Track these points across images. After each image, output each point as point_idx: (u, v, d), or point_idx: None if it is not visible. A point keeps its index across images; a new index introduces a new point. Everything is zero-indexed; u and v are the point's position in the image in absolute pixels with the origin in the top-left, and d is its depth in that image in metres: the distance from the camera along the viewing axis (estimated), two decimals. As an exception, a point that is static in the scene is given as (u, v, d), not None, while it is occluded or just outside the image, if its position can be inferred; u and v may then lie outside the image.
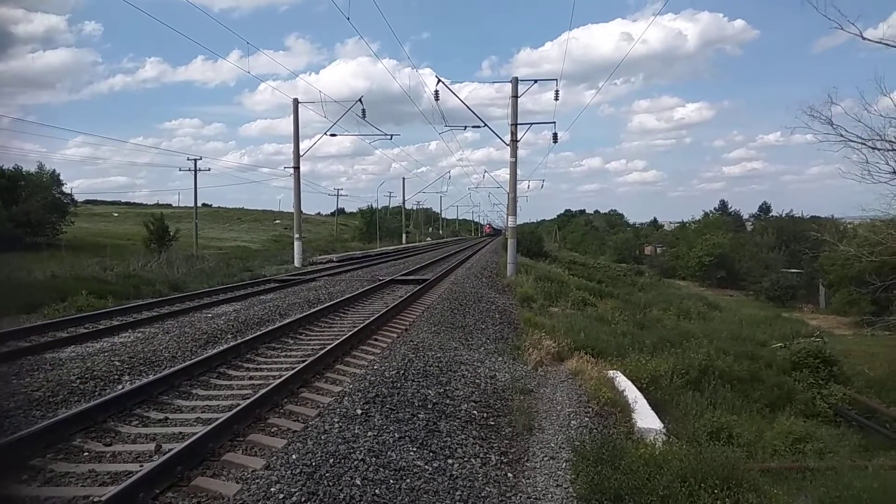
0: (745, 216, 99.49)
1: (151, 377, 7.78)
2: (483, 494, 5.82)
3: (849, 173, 24.71)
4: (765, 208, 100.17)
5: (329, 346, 9.30)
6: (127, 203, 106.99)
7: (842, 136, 21.75)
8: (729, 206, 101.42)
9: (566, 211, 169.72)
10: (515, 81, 26.79)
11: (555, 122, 37.88)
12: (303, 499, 4.65)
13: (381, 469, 5.49)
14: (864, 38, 20.50)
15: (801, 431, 12.61)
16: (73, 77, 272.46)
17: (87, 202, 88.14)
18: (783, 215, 77.40)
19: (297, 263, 30.47)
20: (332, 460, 5.37)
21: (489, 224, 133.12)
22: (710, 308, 35.49)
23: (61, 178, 55.90)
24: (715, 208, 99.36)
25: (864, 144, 21.60)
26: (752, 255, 61.02)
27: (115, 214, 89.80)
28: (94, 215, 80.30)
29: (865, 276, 30.83)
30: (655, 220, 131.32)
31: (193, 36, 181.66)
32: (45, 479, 4.94)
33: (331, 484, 4.98)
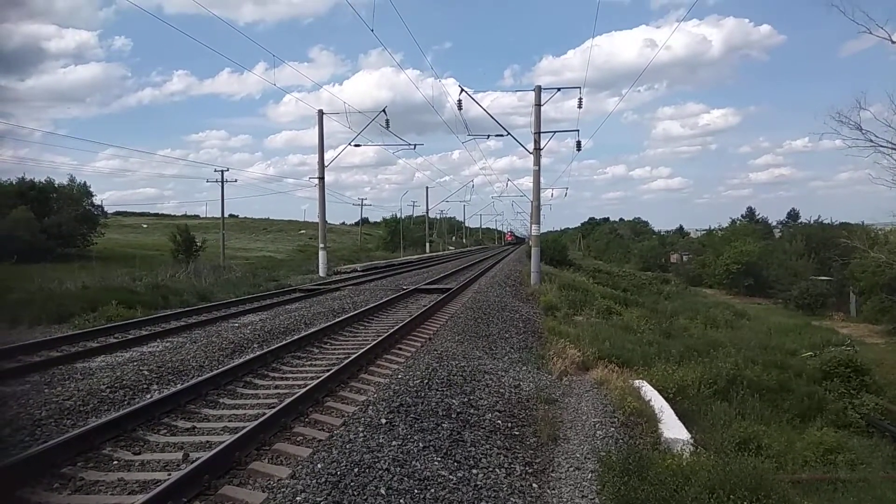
0: (773, 223, 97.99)
1: (179, 386, 7.88)
2: (508, 505, 5.80)
3: (879, 179, 24.27)
4: (793, 215, 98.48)
5: (354, 356, 9.34)
6: (156, 214, 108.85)
7: (871, 141, 21.49)
8: (756, 213, 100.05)
9: (590, 219, 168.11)
10: (538, 90, 26.83)
11: (578, 131, 37.87)
12: (328, 508, 4.68)
13: (406, 479, 5.49)
14: (893, 42, 20.17)
15: (833, 442, 12.36)
16: (102, 91, 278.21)
17: (117, 214, 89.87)
18: (812, 222, 75.90)
19: (321, 273, 30.69)
20: (356, 469, 5.39)
21: (511, 232, 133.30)
22: (738, 316, 34.97)
23: (92, 190, 57.21)
24: (742, 215, 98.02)
25: (895, 149, 21.22)
26: (781, 263, 59.88)
27: (145, 226, 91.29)
28: (123, 226, 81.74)
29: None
30: (681, 228, 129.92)
31: (220, 49, 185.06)
32: (76, 487, 5.04)
33: (356, 493, 5.00)
